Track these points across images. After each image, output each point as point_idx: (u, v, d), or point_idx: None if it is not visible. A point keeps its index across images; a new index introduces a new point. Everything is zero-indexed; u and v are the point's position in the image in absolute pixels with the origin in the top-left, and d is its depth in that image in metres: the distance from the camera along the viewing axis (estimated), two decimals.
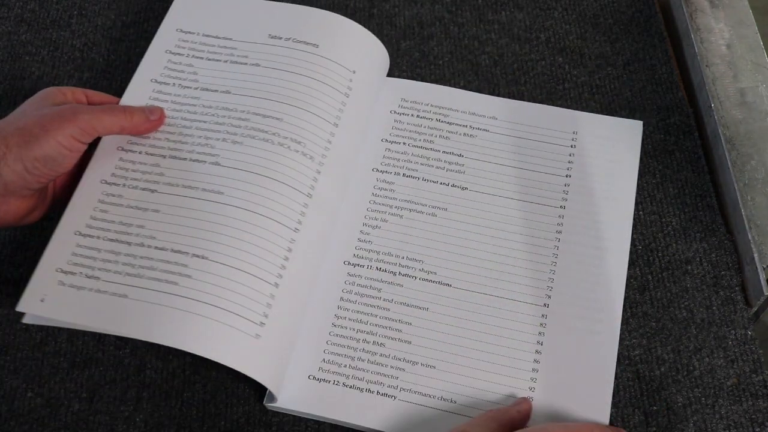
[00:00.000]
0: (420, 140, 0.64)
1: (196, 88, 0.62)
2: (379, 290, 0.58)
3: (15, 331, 0.58)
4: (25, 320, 0.54)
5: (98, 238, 0.55)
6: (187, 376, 0.56)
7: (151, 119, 0.58)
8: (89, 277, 0.53)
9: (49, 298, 0.53)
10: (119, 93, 0.61)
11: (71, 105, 0.55)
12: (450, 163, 0.63)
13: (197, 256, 0.54)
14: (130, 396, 0.55)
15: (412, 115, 0.65)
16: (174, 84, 0.62)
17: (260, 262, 0.54)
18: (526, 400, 0.53)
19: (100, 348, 0.57)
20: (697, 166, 0.64)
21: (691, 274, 0.59)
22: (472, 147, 0.64)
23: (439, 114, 0.65)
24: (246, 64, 0.63)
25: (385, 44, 0.68)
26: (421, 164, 0.63)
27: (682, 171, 0.64)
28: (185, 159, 0.58)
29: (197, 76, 0.62)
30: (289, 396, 0.54)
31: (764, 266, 0.57)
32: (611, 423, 0.53)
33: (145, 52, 0.64)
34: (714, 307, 0.58)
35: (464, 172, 0.63)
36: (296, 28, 0.64)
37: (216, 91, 0.62)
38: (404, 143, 0.64)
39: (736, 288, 0.58)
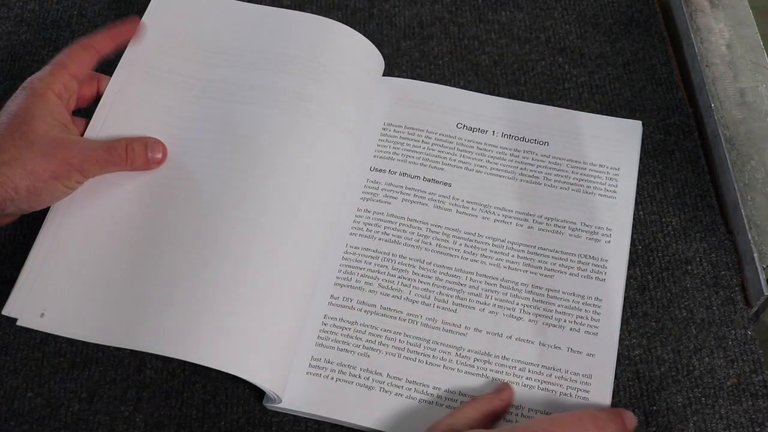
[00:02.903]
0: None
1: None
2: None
3: (15, 331, 0.58)
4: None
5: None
6: (187, 376, 0.56)
7: (151, 163, 0.58)
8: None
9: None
10: None
11: (79, 149, 0.55)
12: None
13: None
14: (130, 396, 0.55)
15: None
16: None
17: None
18: (507, 386, 0.53)
19: (100, 348, 0.57)
20: (697, 166, 0.64)
21: (691, 274, 0.59)
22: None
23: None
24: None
25: (385, 44, 0.68)
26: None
27: (682, 171, 0.64)
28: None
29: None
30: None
31: (764, 266, 0.57)
32: None
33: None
34: (714, 307, 0.58)
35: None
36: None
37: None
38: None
39: (736, 288, 0.58)
